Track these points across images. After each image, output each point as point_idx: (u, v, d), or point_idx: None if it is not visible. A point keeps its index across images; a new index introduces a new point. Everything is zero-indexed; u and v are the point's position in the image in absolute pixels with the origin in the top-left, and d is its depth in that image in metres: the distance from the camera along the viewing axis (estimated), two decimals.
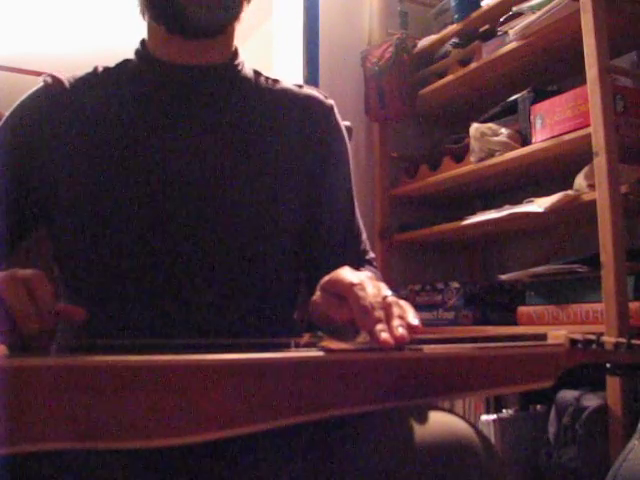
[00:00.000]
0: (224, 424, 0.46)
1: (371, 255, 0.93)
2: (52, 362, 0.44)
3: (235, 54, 0.88)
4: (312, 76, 2.25)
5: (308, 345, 0.62)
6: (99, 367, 0.44)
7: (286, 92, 0.91)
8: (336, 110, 0.93)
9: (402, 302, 0.60)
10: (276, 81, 0.92)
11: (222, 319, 0.77)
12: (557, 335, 0.62)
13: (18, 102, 0.85)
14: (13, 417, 0.41)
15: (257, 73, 0.91)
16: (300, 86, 0.94)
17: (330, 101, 0.93)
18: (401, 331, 0.55)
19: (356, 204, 0.94)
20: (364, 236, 0.94)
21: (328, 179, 0.90)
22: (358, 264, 0.90)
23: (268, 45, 2.45)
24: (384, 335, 0.55)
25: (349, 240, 0.92)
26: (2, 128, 0.84)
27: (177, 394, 0.45)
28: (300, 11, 2.29)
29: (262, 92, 0.89)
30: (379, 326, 0.56)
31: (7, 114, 0.85)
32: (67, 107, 0.82)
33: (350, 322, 0.60)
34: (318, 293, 0.67)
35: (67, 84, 0.84)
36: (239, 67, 0.88)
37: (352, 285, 0.60)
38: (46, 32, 3.02)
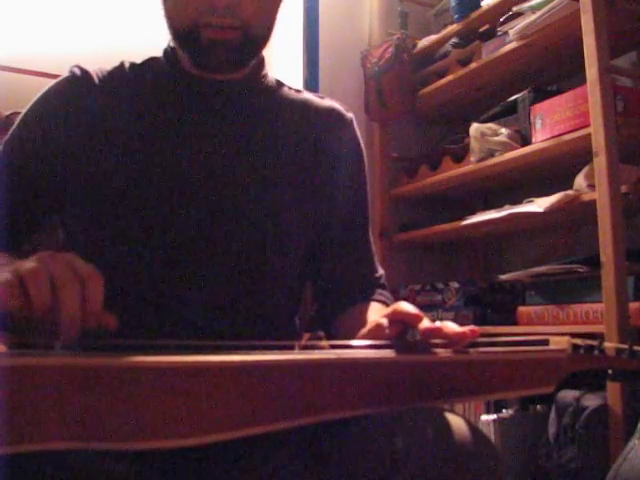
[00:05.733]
0: (225, 426, 0.46)
1: (380, 272, 0.93)
2: (52, 362, 0.44)
3: (261, 64, 0.88)
4: (312, 76, 2.25)
5: (309, 346, 0.63)
6: (99, 367, 0.44)
7: (307, 103, 0.91)
8: (355, 124, 0.93)
9: None
10: (298, 91, 0.92)
11: (225, 321, 0.77)
12: (559, 340, 0.61)
13: (43, 91, 0.85)
14: (13, 417, 0.41)
15: (279, 83, 0.91)
16: (322, 97, 0.94)
17: (350, 114, 0.94)
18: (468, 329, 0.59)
19: (370, 218, 0.94)
20: (374, 252, 0.94)
21: (342, 191, 0.89)
22: (367, 282, 0.90)
23: (268, 45, 2.45)
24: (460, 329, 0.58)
25: (359, 255, 0.91)
26: (26, 116, 0.84)
27: (178, 395, 0.45)
28: (300, 11, 2.29)
29: (283, 103, 0.89)
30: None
31: (31, 103, 0.85)
32: (94, 101, 0.82)
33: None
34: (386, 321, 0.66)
35: (95, 77, 0.84)
36: (262, 79, 0.88)
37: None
38: (47, 32, 3.02)
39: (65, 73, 0.85)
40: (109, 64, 0.88)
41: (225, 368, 0.47)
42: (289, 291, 0.86)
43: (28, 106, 0.85)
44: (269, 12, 0.80)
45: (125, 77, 0.85)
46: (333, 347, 0.63)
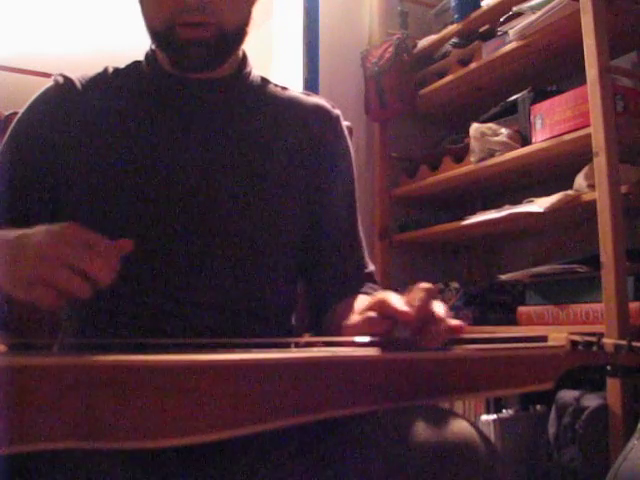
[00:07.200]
0: (224, 425, 0.46)
1: (370, 268, 0.93)
2: (52, 362, 0.44)
3: (243, 62, 0.89)
4: (312, 76, 2.25)
5: (306, 344, 0.63)
6: (99, 367, 0.44)
7: (293, 100, 0.91)
8: (342, 120, 0.94)
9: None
10: (284, 89, 0.93)
11: (222, 320, 0.77)
12: (558, 337, 0.61)
13: (29, 102, 0.86)
14: (13, 417, 0.41)
15: (265, 81, 0.92)
16: (308, 94, 0.94)
17: (337, 111, 0.94)
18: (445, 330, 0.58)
19: (358, 214, 0.94)
20: (364, 247, 0.94)
21: (331, 188, 0.90)
22: (358, 278, 0.90)
23: (268, 45, 2.46)
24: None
25: (350, 251, 0.91)
26: (15, 128, 0.85)
27: (176, 394, 0.45)
28: (300, 11, 2.29)
29: (269, 100, 0.89)
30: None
31: (19, 113, 0.86)
32: (78, 107, 0.83)
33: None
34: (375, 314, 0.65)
35: (78, 84, 0.85)
36: (246, 76, 0.88)
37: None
38: (46, 32, 3.02)
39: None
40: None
41: (223, 367, 0.47)
42: (283, 288, 0.86)
43: (17, 117, 0.86)
44: (242, 8, 0.80)
45: (108, 82, 0.86)
46: (331, 345, 0.63)
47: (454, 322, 0.59)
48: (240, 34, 0.82)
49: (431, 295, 0.59)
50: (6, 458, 0.50)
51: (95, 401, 0.43)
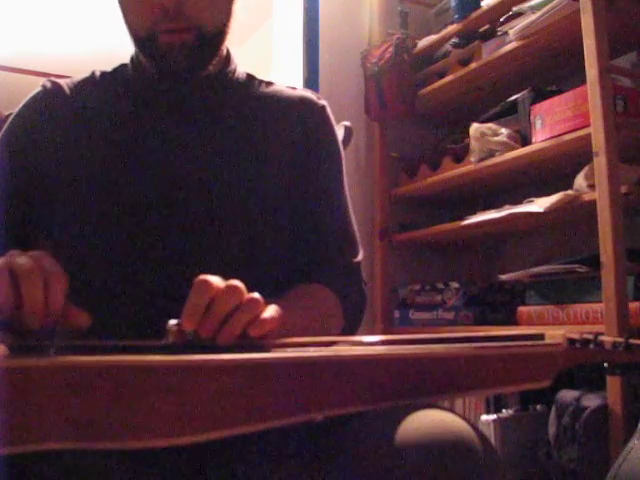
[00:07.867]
0: (222, 424, 0.46)
1: (358, 258, 0.92)
2: (52, 362, 0.44)
3: (227, 60, 0.89)
4: (312, 76, 2.25)
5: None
6: (99, 367, 0.44)
7: (279, 94, 0.92)
8: (329, 110, 0.94)
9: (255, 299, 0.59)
10: (270, 84, 0.93)
11: None
12: (555, 335, 0.61)
13: (18, 108, 0.87)
14: (13, 417, 0.41)
15: (251, 77, 0.93)
16: (294, 88, 0.95)
17: (322, 101, 0.94)
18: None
19: (349, 203, 0.94)
20: (353, 237, 0.93)
21: (318, 177, 0.90)
22: (340, 270, 0.89)
23: (268, 45, 2.46)
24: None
25: (335, 241, 0.91)
26: (5, 134, 0.86)
27: (176, 394, 0.45)
28: (300, 11, 2.29)
29: (255, 96, 0.90)
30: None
31: (9, 120, 0.87)
32: (66, 111, 0.84)
33: None
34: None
35: (66, 88, 0.86)
36: (230, 74, 0.89)
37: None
38: (46, 32, 3.02)
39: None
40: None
41: (219, 366, 0.47)
42: (279, 282, 0.85)
43: (6, 123, 0.86)
44: (220, 9, 0.81)
45: (95, 85, 0.87)
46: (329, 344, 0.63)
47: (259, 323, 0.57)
48: (221, 34, 0.82)
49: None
50: (6, 458, 0.50)
51: (94, 402, 0.43)
